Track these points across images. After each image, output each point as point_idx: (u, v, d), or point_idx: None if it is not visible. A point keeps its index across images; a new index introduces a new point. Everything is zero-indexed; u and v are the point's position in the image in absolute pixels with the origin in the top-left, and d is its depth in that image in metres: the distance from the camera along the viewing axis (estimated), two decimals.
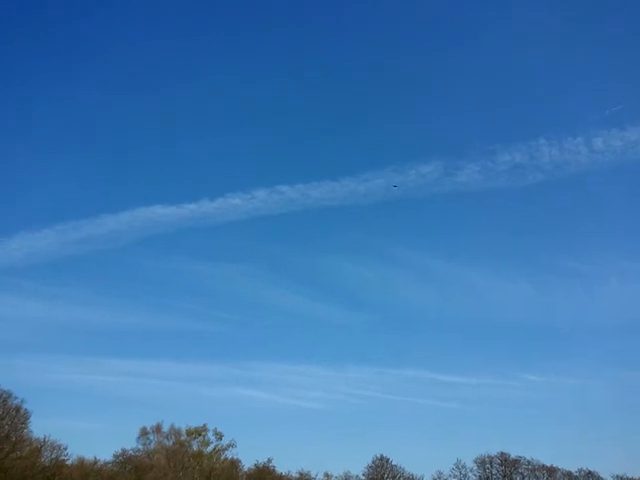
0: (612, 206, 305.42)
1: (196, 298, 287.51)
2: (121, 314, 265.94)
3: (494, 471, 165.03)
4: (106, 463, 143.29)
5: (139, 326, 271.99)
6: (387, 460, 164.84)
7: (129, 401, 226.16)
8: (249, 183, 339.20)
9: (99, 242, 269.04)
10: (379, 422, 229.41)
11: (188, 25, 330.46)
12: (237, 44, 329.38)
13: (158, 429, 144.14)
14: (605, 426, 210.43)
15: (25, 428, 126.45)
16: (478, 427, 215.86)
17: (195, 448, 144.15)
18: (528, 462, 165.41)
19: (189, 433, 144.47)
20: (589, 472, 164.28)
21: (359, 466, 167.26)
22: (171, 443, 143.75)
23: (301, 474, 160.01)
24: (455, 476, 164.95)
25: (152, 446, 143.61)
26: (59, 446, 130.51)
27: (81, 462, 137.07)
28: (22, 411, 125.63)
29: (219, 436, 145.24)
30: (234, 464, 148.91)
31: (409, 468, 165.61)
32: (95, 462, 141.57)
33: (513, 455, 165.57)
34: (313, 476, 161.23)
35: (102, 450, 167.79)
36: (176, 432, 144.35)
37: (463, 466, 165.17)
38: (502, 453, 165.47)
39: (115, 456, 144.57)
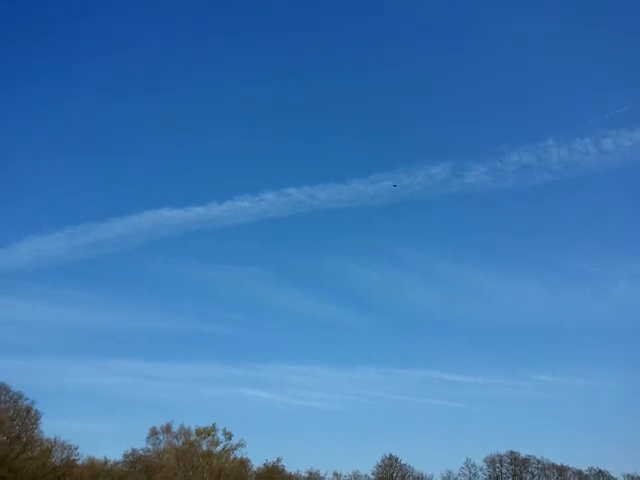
0: (621, 207, 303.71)
1: (204, 301, 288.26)
2: (129, 317, 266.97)
3: (504, 470, 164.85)
4: (116, 463, 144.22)
5: (147, 328, 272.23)
6: (396, 459, 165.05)
7: (138, 402, 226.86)
8: (257, 186, 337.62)
9: (107, 246, 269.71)
10: (387, 422, 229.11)
11: (191, 25, 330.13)
12: (240, 44, 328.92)
13: (168, 429, 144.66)
14: (614, 426, 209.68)
15: (36, 429, 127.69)
16: (486, 427, 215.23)
17: (204, 448, 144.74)
18: (538, 461, 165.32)
19: (198, 433, 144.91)
20: (599, 471, 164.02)
21: (368, 466, 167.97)
22: (180, 443, 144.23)
23: (310, 473, 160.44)
24: (465, 475, 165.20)
25: (162, 446, 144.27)
26: (69, 446, 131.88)
27: (91, 462, 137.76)
28: (33, 412, 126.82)
29: (228, 436, 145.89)
30: (243, 464, 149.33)
31: (418, 467, 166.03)
32: (105, 462, 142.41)
33: (523, 454, 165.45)
34: (322, 475, 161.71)
35: (112, 451, 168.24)
36: (185, 432, 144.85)
37: (473, 465, 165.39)
38: (512, 452, 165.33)
39: (125, 456, 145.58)
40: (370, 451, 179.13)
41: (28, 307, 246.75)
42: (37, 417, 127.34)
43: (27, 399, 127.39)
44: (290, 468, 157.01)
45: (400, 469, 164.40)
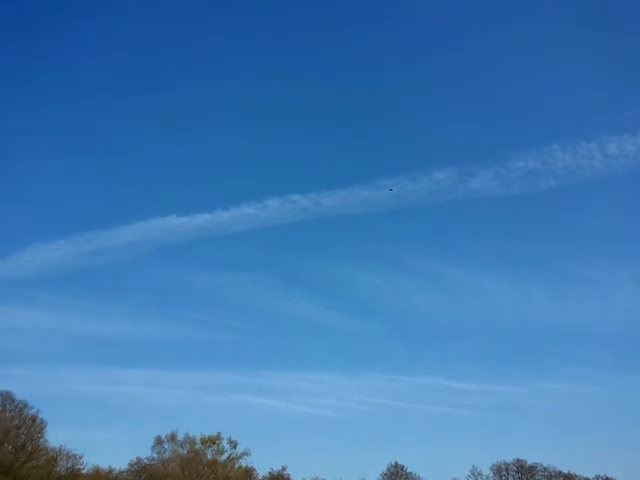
0: (626, 212, 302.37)
1: (208, 308, 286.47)
2: (134, 325, 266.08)
3: (510, 478, 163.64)
4: (121, 472, 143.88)
5: (152, 336, 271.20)
6: (402, 468, 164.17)
7: (142, 411, 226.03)
8: (262, 192, 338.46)
9: (113, 253, 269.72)
10: (392, 429, 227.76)
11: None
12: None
13: (173, 438, 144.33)
14: (622, 433, 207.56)
15: (41, 438, 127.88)
16: (492, 434, 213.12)
17: (209, 456, 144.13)
18: (545, 469, 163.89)
19: (203, 442, 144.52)
20: (607, 479, 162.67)
21: (373, 474, 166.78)
22: (185, 452, 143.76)
23: None
24: None
25: (167, 455, 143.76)
26: (75, 455, 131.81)
27: (96, 471, 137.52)
28: (38, 421, 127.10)
29: (233, 444, 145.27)
30: (248, 472, 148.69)
31: (424, 475, 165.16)
32: (110, 471, 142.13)
33: (529, 462, 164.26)
34: None
35: (117, 459, 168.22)
36: (190, 441, 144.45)
37: (479, 473, 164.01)
38: (518, 460, 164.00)
39: (130, 465, 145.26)
40: (375, 459, 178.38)
41: (32, 315, 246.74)
42: (42, 426, 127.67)
43: (32, 408, 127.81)
44: (295, 476, 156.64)
45: (406, 477, 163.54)
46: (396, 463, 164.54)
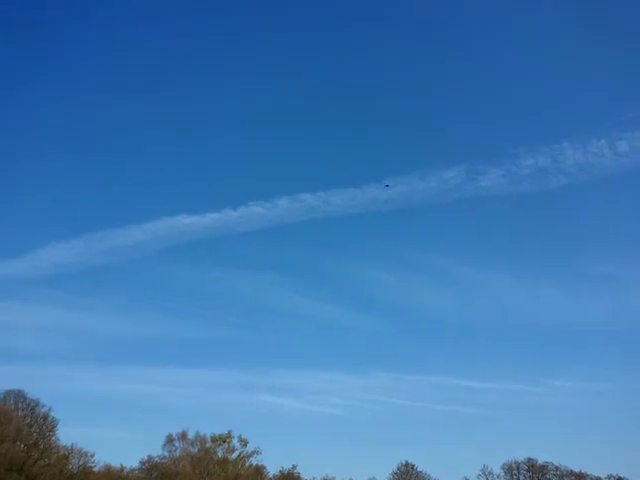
0: (636, 209, 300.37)
1: (219, 306, 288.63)
2: (145, 323, 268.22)
3: (521, 477, 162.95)
4: (132, 470, 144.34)
5: (164, 335, 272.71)
6: (412, 466, 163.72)
7: (153, 409, 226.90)
8: (271, 191, 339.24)
9: (125, 252, 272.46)
10: (401, 428, 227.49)
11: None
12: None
13: (183, 436, 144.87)
14: (632, 431, 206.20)
15: (53, 436, 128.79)
16: (502, 433, 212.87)
17: (220, 455, 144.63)
18: (556, 468, 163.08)
19: (214, 440, 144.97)
20: (619, 478, 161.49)
21: (384, 472, 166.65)
22: (196, 450, 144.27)
23: None
24: None
25: (178, 453, 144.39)
26: (86, 453, 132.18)
27: (108, 469, 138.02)
28: (50, 419, 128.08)
29: (244, 443, 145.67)
30: (259, 470, 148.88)
31: (435, 474, 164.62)
32: (122, 469, 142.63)
33: (540, 461, 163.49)
34: None
35: (128, 458, 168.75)
36: (201, 439, 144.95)
37: (490, 472, 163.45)
38: (529, 459, 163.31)
39: (141, 463, 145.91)
40: (386, 457, 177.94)
41: (45, 313, 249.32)
42: (54, 424, 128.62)
43: (44, 406, 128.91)
44: (306, 475, 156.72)
45: (416, 476, 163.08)
46: (406, 462, 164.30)
